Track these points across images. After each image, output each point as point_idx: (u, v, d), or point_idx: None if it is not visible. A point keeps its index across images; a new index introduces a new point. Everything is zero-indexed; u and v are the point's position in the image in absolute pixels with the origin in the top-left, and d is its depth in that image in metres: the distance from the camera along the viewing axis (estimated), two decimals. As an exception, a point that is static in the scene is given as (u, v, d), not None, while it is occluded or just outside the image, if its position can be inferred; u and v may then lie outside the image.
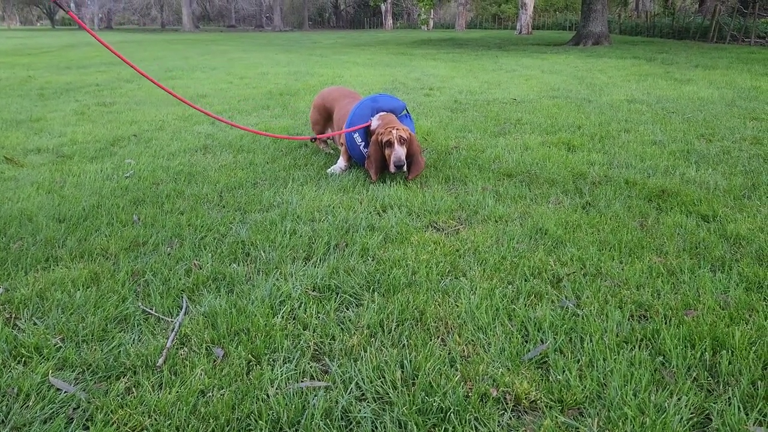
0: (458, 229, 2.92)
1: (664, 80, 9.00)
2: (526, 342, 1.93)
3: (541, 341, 1.93)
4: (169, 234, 2.90)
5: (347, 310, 2.15)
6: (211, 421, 1.57)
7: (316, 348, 1.93)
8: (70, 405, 1.68)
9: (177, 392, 1.70)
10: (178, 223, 3.02)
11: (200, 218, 3.09)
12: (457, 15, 43.64)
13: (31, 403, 1.68)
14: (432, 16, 47.63)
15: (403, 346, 1.91)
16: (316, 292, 2.29)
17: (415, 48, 19.88)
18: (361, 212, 3.13)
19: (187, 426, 1.56)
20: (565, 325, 1.99)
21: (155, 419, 1.60)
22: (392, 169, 3.53)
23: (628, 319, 2.05)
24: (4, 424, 1.60)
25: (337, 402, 1.63)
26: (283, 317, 2.09)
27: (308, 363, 1.85)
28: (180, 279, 2.43)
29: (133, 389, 1.75)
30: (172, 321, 2.11)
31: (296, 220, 3.03)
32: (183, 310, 2.18)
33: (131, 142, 5.09)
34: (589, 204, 3.22)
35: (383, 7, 53.42)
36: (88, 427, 1.58)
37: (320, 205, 3.26)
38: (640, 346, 1.89)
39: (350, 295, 2.24)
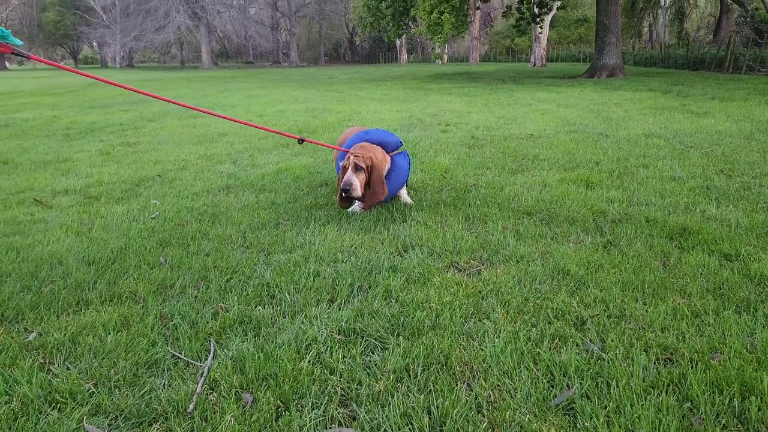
0: (480, 269, 2.94)
1: (680, 113, 9.02)
2: (552, 387, 1.94)
3: (567, 386, 1.93)
4: (195, 276, 2.96)
5: (373, 354, 2.17)
6: (242, 469, 1.60)
7: (343, 393, 1.95)
8: (104, 452, 1.71)
9: (208, 439, 1.73)
10: (204, 265, 3.08)
11: (225, 260, 3.15)
12: (470, 48, 44.20)
13: (66, 450, 1.72)
14: (446, 50, 48.29)
15: (430, 391, 1.93)
16: (341, 335, 2.32)
17: (431, 82, 20.15)
18: (382, 253, 3.17)
19: (219, 474, 1.58)
20: (591, 370, 2.00)
21: (188, 467, 1.62)
22: (343, 193, 3.65)
23: (654, 363, 2.05)
24: (41, 472, 1.64)
25: (366, 450, 1.65)
26: (309, 362, 2.12)
27: (336, 409, 1.87)
28: (207, 322, 2.47)
29: (165, 436, 1.78)
30: (201, 365, 2.15)
31: (319, 261, 3.08)
32: (211, 354, 2.22)
33: (156, 182, 5.21)
34: (610, 243, 3.23)
35: (398, 42, 54.31)
36: (122, 475, 1.61)
37: (342, 245, 3.31)
38: (667, 392, 1.89)
39: (375, 339, 2.27)
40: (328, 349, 2.21)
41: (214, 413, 1.87)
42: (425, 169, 5.29)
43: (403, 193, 4.22)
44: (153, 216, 4.10)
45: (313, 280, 2.84)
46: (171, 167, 5.88)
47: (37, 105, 14.23)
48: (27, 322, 2.53)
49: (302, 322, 2.42)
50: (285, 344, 2.24)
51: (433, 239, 3.34)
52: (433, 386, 1.95)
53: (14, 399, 1.96)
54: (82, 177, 5.53)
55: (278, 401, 1.91)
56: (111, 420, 1.86)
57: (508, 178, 4.89)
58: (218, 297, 2.72)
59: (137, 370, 2.13)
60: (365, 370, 2.07)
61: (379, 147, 3.94)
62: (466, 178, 4.87)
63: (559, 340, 2.22)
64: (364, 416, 1.81)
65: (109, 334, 2.38)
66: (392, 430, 1.73)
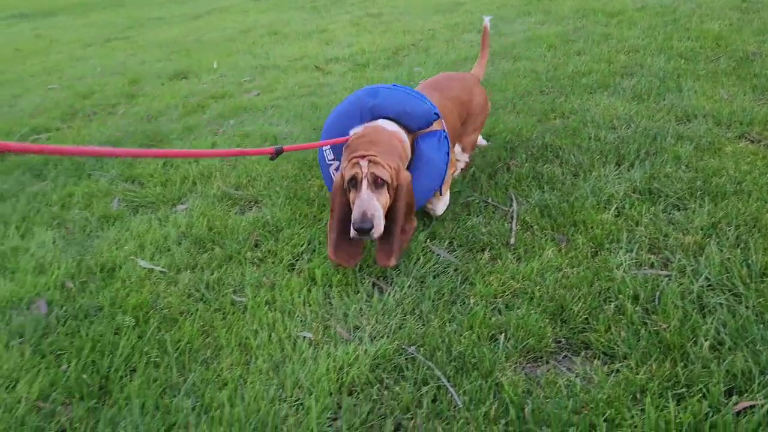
0: (777, 141, 2.80)
1: None
2: None
3: None
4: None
5: (675, 211, 2.29)
6: (574, 289, 1.89)
7: (651, 243, 2.13)
8: (450, 266, 2.13)
9: (536, 265, 2.05)
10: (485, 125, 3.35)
11: (502, 122, 3.39)
12: None
13: (421, 262, 2.17)
14: None
15: (743, 248, 2.02)
16: (637, 194, 2.46)
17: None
18: (662, 121, 3.15)
19: (554, 292, 1.90)
20: None
21: (524, 284, 1.97)
22: (352, 233, 1.98)
23: None
24: (409, 275, 2.10)
25: (688, 288, 1.84)
26: (612, 214, 2.32)
27: (647, 254, 2.06)
28: (503, 175, 2.77)
29: (497, 260, 2.14)
30: (507, 210, 2.47)
31: (597, 127, 3.17)
32: (514, 202, 2.52)
33: (411, 51, 5.55)
34: None
35: None
36: (474, 283, 2.01)
37: (617, 113, 3.33)
38: None
39: (675, 199, 2.37)
40: (627, 205, 2.37)
41: (533, 247, 2.18)
42: (692, 37, 4.87)
43: (441, 203, 2.44)
44: (421, 82, 4.45)
45: (596, 144, 2.96)
46: (420, 37, 6.16)
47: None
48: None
49: (596, 180, 2.59)
50: (584, 197, 2.46)
51: (719, 109, 3.20)
52: (746, 244, 2.03)
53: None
54: (345, 46, 6.07)
55: (590, 243, 2.15)
56: (447, 244, 2.28)
57: (798, 45, 4.33)
58: (505, 154, 2.99)
59: (455, 209, 2.51)
60: (670, 225, 2.21)
61: (394, 129, 2.20)
62: (744, 46, 4.42)
63: None
64: (678, 262, 1.98)
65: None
66: (712, 275, 1.88)
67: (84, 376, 1.74)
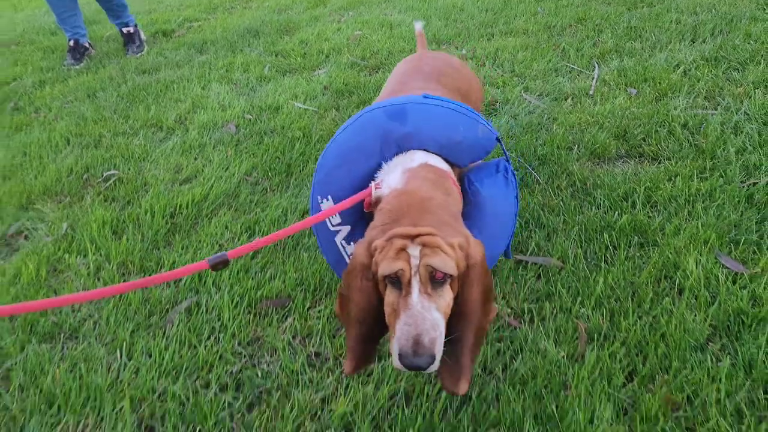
0: None
1: None
2: None
3: None
4: (569, 20, 3.70)
5: (734, 72, 2.73)
6: (636, 120, 2.44)
7: (708, 93, 2.60)
8: (539, 108, 2.71)
9: (609, 107, 2.59)
10: (575, 14, 3.80)
11: (593, 10, 3.81)
12: None
13: (516, 105, 2.76)
14: None
15: (784, 95, 2.47)
16: (703, 60, 2.90)
17: None
18: (743, 7, 3.47)
19: (621, 123, 2.45)
20: None
21: (597, 119, 2.52)
22: (395, 362, 1.11)
23: None
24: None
25: (729, 119, 2.34)
26: (678, 74, 2.79)
27: (702, 101, 2.55)
28: (589, 49, 3.25)
29: (577, 105, 2.70)
30: (590, 73, 2.98)
31: (679, 13, 3.54)
32: (597, 67, 3.02)
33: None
34: None
35: None
36: (557, 118, 2.59)
37: (702, 1, 3.67)
38: None
39: (736, 63, 2.80)
40: (694, 68, 2.83)
41: (608, 96, 2.71)
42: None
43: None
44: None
45: (675, 26, 3.36)
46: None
47: None
48: (457, 43, 3.62)
49: (670, 52, 3.04)
50: (656, 64, 2.93)
51: (800, -3, 3.48)
52: (788, 93, 2.48)
53: (472, 79, 3.06)
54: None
55: (656, 93, 2.66)
56: (537, 95, 2.85)
57: None
58: (593, 34, 3.45)
59: (545, 71, 3.06)
60: (727, 81, 2.66)
61: (443, 167, 1.41)
62: None
63: None
64: (725, 104, 2.46)
65: (518, 52, 3.34)
66: (750, 111, 2.37)
67: (272, 165, 2.50)
